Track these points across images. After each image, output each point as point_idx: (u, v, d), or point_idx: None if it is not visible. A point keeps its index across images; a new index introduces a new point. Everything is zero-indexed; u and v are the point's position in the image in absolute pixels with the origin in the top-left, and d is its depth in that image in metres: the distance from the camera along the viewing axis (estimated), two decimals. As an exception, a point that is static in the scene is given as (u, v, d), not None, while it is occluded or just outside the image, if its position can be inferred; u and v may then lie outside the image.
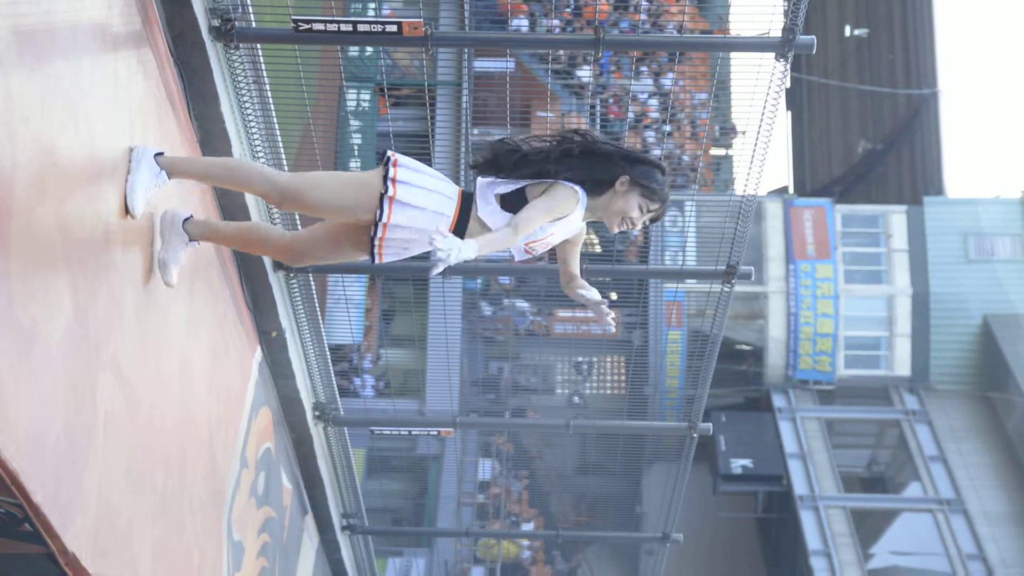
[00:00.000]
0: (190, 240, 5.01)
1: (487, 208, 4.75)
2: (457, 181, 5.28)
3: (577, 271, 5.06)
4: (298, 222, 7.16)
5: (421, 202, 4.67)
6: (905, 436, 25.95)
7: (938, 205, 27.56)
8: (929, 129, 30.33)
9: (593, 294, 4.94)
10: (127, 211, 4.62)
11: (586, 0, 21.61)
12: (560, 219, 4.71)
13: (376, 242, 4.70)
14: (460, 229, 4.72)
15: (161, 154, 4.74)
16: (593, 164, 4.76)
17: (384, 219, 4.62)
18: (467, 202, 4.76)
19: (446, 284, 9.27)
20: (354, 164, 18.19)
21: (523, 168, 4.80)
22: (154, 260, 4.96)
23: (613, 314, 4.96)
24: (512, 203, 4.73)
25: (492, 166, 4.86)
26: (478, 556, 24.35)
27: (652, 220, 4.85)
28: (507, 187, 4.79)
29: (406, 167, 4.71)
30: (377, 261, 4.78)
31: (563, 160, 4.74)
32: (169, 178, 4.76)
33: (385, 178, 4.65)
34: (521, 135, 4.84)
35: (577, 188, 4.71)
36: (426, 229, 4.66)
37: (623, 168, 4.73)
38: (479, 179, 4.86)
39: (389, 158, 4.72)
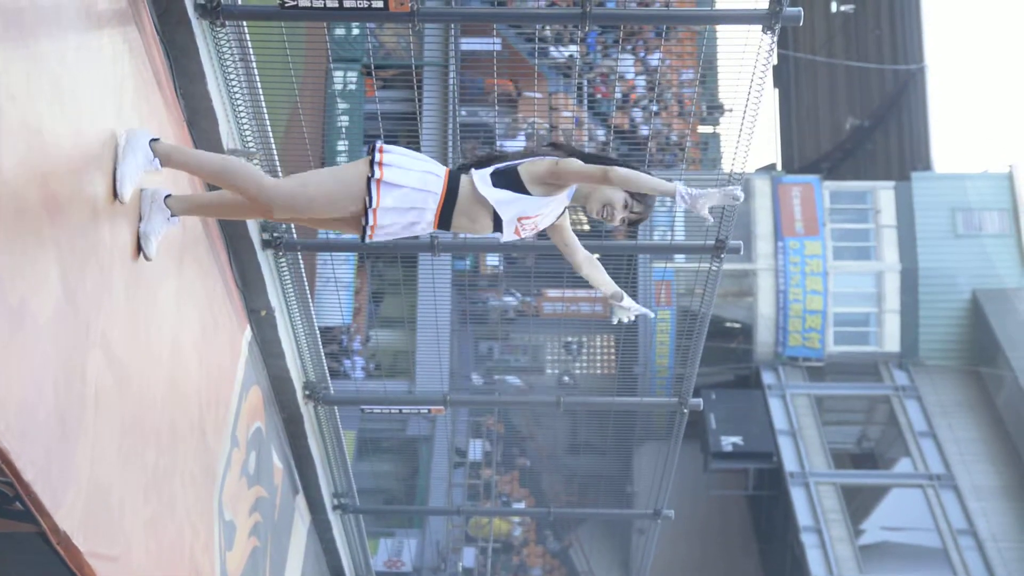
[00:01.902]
0: (171, 215, 5.01)
1: (485, 184, 4.79)
2: (445, 162, 5.30)
3: (580, 249, 5.16)
4: (279, 172, 7.13)
5: (408, 181, 4.71)
6: (895, 412, 26.01)
7: (926, 180, 27.58)
8: (916, 104, 30.34)
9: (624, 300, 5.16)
10: (115, 196, 4.62)
11: (572, -22, 21.57)
12: (550, 197, 4.75)
13: (368, 230, 4.75)
14: (448, 205, 4.76)
15: (156, 140, 4.76)
16: (586, 154, 4.87)
17: (374, 204, 4.67)
18: (454, 180, 4.78)
19: (435, 263, 9.27)
20: (342, 144, 18.18)
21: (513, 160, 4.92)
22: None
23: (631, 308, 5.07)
24: (504, 179, 4.77)
25: (482, 163, 4.94)
26: (470, 534, 24.40)
27: (631, 222, 4.90)
28: (501, 167, 4.84)
29: (392, 152, 4.75)
30: (368, 239, 4.80)
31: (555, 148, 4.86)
32: (161, 167, 4.79)
33: (372, 163, 4.69)
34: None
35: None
36: (416, 207, 4.73)
37: (614, 161, 4.79)
38: (474, 171, 4.89)
39: (375, 145, 4.76)
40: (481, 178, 4.83)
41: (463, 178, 4.82)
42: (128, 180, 4.65)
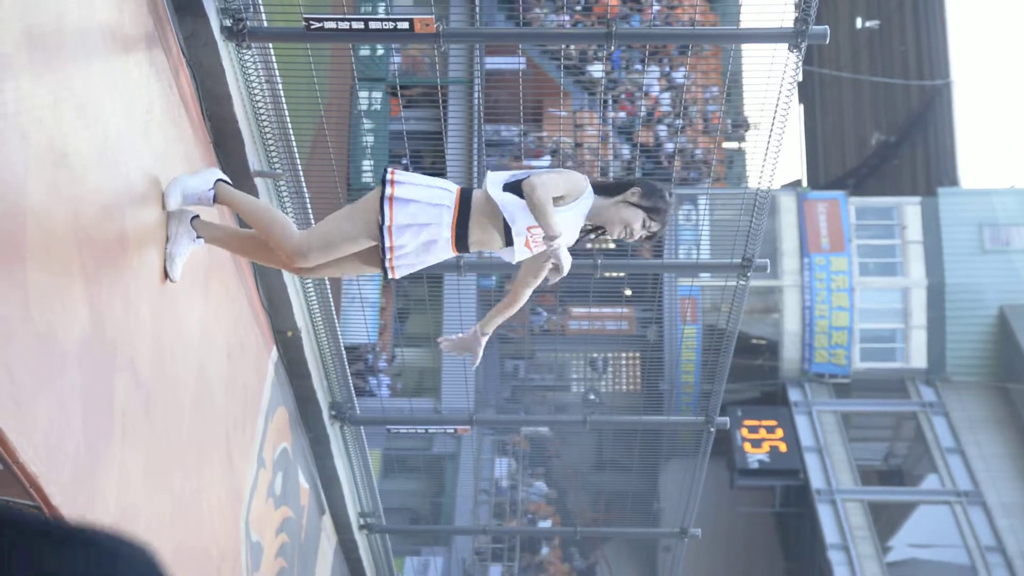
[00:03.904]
0: (197, 237, 5.05)
1: (499, 192, 4.77)
2: (469, 179, 5.30)
3: (527, 290, 5.13)
4: (305, 192, 7.15)
5: (420, 196, 4.72)
6: (922, 428, 25.89)
7: (952, 196, 27.47)
8: (942, 120, 30.23)
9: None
10: (167, 276, 4.94)
11: (596, -2, 21.61)
12: (568, 206, 4.71)
13: (387, 252, 4.74)
14: (462, 221, 4.75)
15: (197, 217, 5.01)
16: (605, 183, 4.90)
17: (387, 222, 4.66)
18: (466, 197, 4.78)
19: (461, 282, 9.26)
20: (367, 164, 18.19)
21: None
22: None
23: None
24: (516, 189, 4.75)
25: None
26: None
27: (648, 237, 4.90)
28: (514, 177, 4.82)
29: (403, 173, 4.80)
30: (391, 276, 4.81)
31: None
32: (205, 243, 5.13)
33: (383, 182, 4.72)
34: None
35: (585, 180, 4.79)
36: (429, 223, 4.72)
37: (634, 183, 4.82)
38: (488, 175, 4.88)
39: (386, 170, 4.78)
40: (493, 181, 4.82)
41: (475, 192, 4.82)
42: (177, 262, 5.03)
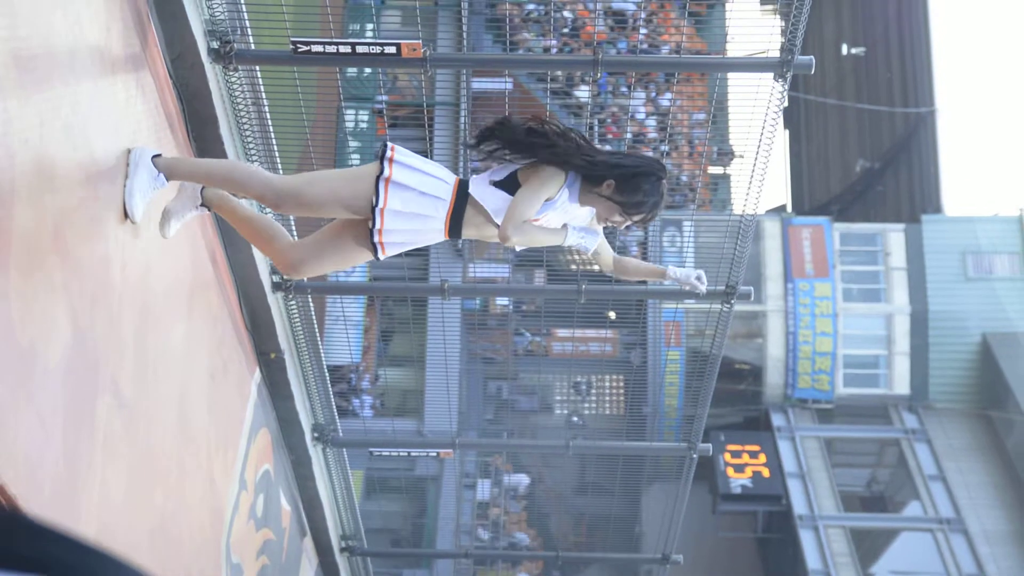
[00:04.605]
0: (201, 204, 4.97)
1: (482, 190, 4.71)
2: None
3: (607, 252, 5.02)
4: (293, 229, 7.14)
5: (418, 184, 4.61)
6: (904, 455, 25.92)
7: (936, 223, 27.57)
8: (927, 147, 30.35)
9: (687, 276, 4.95)
10: (126, 215, 4.59)
11: (583, 20, 21.66)
12: (550, 202, 4.64)
13: (376, 233, 4.64)
14: (457, 214, 4.68)
15: (159, 156, 4.70)
16: (586, 163, 4.66)
17: (381, 203, 4.57)
18: (463, 189, 4.71)
19: (445, 304, 9.26)
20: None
21: (519, 146, 4.69)
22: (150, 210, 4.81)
23: (702, 278, 4.90)
24: (505, 188, 4.68)
25: (491, 136, 4.74)
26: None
27: (644, 222, 4.76)
28: (499, 174, 4.73)
29: (403, 152, 4.66)
30: (380, 255, 4.72)
31: (556, 150, 4.64)
32: (167, 180, 4.71)
33: (382, 160, 4.62)
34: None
35: (563, 171, 4.63)
36: (423, 215, 4.64)
37: (612, 174, 4.62)
38: (472, 176, 4.81)
39: (387, 146, 4.67)
40: (476, 182, 4.71)
41: (471, 184, 4.74)
42: (136, 199, 4.60)
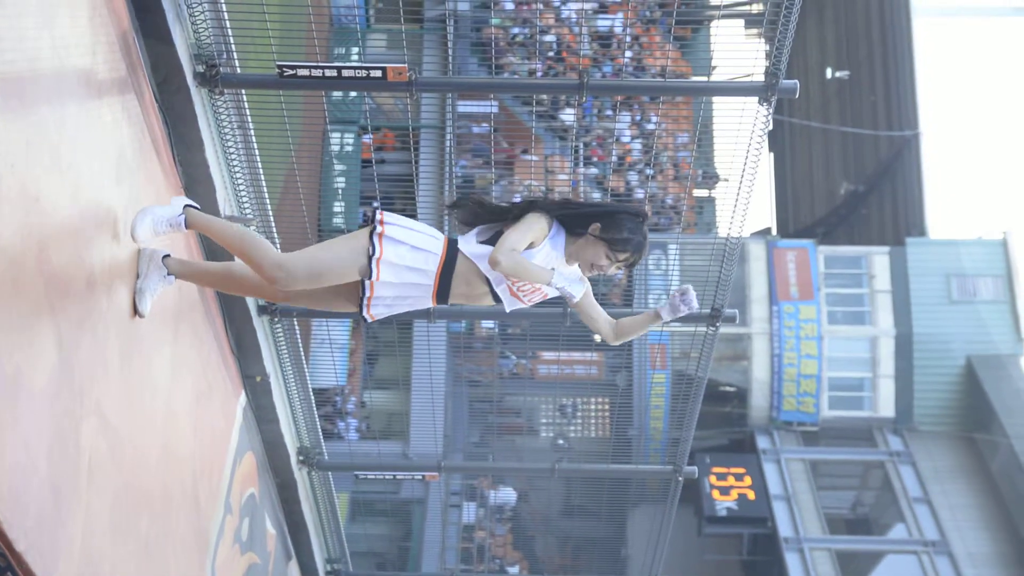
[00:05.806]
0: (168, 274, 5.04)
1: (471, 247, 4.82)
2: (441, 223, 5.32)
3: (602, 317, 5.08)
4: (275, 236, 7.14)
5: (408, 239, 4.75)
6: (889, 477, 25.91)
7: (920, 246, 27.62)
8: (911, 171, 30.41)
9: (673, 302, 4.88)
10: (136, 312, 4.89)
11: (568, 44, 21.72)
12: (537, 248, 4.72)
13: (365, 301, 4.80)
14: (448, 268, 4.78)
15: (168, 256, 4.99)
16: (567, 215, 4.82)
17: (377, 254, 4.69)
18: (453, 248, 4.80)
19: (431, 327, 9.26)
20: (338, 206, 18.20)
21: (501, 213, 4.89)
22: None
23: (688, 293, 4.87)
24: (493, 244, 4.76)
25: (470, 211, 4.94)
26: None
27: (628, 266, 4.84)
28: (486, 234, 4.87)
29: (392, 216, 4.77)
30: (367, 318, 4.84)
31: (538, 205, 4.79)
32: (176, 279, 5.06)
33: (372, 234, 4.72)
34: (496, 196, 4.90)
35: (546, 218, 4.77)
36: (416, 268, 4.75)
37: (596, 217, 4.77)
38: (459, 236, 4.91)
39: (376, 215, 4.78)
40: (466, 240, 4.87)
41: (461, 243, 4.84)
42: (146, 297, 4.97)
